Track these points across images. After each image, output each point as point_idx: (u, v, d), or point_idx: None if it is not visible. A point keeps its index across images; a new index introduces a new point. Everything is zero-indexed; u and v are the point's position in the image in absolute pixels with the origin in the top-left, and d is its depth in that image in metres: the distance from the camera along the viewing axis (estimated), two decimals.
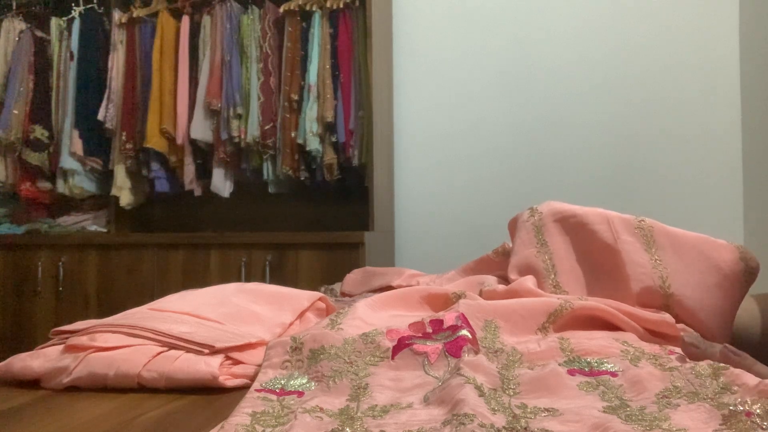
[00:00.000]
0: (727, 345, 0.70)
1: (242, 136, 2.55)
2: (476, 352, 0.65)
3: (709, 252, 0.83)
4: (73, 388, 0.65)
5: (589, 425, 0.48)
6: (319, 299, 0.92)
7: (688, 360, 0.65)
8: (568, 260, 0.90)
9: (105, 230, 2.81)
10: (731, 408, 0.49)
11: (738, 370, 0.57)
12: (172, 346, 0.67)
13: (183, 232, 2.83)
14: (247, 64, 2.59)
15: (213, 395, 0.62)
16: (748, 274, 0.81)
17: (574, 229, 0.92)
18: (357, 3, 2.52)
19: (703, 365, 0.61)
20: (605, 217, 0.89)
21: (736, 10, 2.50)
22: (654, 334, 0.76)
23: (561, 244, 0.92)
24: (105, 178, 2.80)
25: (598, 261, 0.88)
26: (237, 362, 0.67)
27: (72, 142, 2.73)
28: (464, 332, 0.67)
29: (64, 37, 2.85)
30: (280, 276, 2.36)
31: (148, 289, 2.51)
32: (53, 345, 0.71)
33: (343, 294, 1.25)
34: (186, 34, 2.67)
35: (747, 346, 0.80)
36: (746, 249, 0.83)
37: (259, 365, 0.66)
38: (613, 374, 0.62)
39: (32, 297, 2.67)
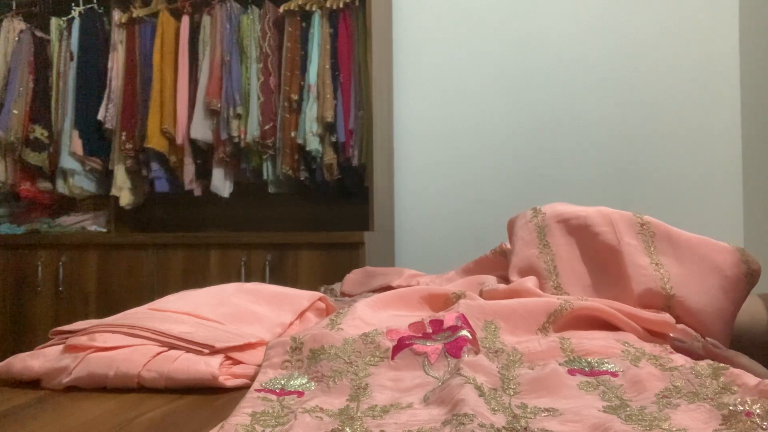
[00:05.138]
0: (708, 338, 0.71)
1: (242, 136, 2.55)
2: (476, 353, 0.65)
3: (710, 254, 0.83)
4: (73, 388, 0.65)
5: (589, 425, 0.48)
6: (319, 299, 0.92)
7: (688, 360, 0.65)
8: (569, 262, 0.90)
9: (105, 230, 2.81)
10: (731, 408, 0.49)
11: (738, 370, 0.57)
12: (172, 346, 0.67)
13: (183, 232, 2.83)
14: (247, 64, 2.59)
15: (213, 395, 0.62)
16: (749, 276, 0.81)
17: (578, 231, 0.91)
18: (357, 3, 2.51)
19: (703, 365, 0.61)
20: (609, 219, 0.89)
21: (736, 10, 2.50)
22: (654, 335, 0.76)
23: (564, 246, 0.92)
24: (105, 178, 2.80)
25: (601, 263, 0.88)
26: (237, 362, 0.67)
27: (72, 142, 2.73)
28: (464, 332, 0.67)
29: (64, 37, 2.84)
30: (280, 276, 2.35)
31: (148, 289, 2.50)
32: (53, 345, 0.71)
33: (343, 294, 1.25)
34: (186, 34, 2.67)
35: (750, 345, 0.80)
36: (748, 251, 0.83)
37: (259, 365, 0.66)
38: (614, 374, 0.62)
39: (32, 297, 2.67)
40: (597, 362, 0.65)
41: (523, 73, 2.68)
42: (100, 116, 2.72)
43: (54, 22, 2.88)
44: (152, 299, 0.87)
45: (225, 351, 0.67)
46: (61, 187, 2.79)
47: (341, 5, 2.49)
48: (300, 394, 0.58)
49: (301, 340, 0.67)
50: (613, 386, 0.59)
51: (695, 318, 0.80)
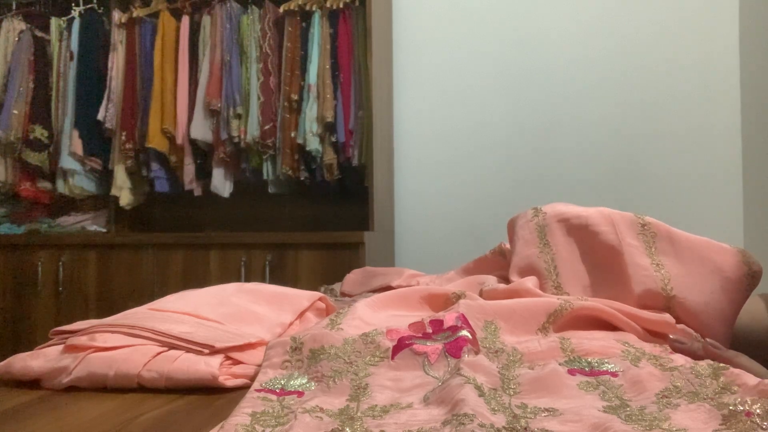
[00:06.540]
0: (708, 339, 0.71)
1: (242, 136, 2.54)
2: (476, 353, 0.65)
3: (712, 255, 0.83)
4: (73, 388, 0.65)
5: (589, 425, 0.48)
6: (319, 299, 0.92)
7: (688, 360, 0.65)
8: (570, 261, 0.90)
9: (105, 230, 2.81)
10: (731, 408, 0.49)
11: (738, 370, 0.57)
12: (172, 346, 0.67)
13: (183, 232, 2.83)
14: (246, 64, 2.59)
15: (213, 395, 0.62)
16: (750, 277, 0.81)
17: (578, 230, 0.91)
18: (357, 3, 2.51)
19: (703, 365, 0.61)
20: (610, 220, 0.89)
21: (736, 10, 2.50)
22: (654, 335, 0.76)
23: (564, 246, 0.92)
24: (105, 178, 2.80)
25: (601, 263, 0.88)
26: (237, 362, 0.67)
27: (72, 142, 2.73)
28: (464, 333, 0.67)
29: (64, 37, 2.84)
30: (280, 276, 2.35)
31: (148, 289, 2.50)
32: (53, 345, 0.71)
33: (343, 294, 1.25)
34: (186, 34, 2.67)
35: (750, 345, 0.80)
36: (749, 253, 0.82)
37: (259, 365, 0.66)
38: (614, 374, 0.62)
39: (32, 297, 2.67)
40: (597, 362, 0.65)
41: (523, 73, 2.68)
42: (100, 116, 2.72)
43: (54, 22, 2.87)
44: (152, 299, 0.87)
45: (225, 351, 0.67)
46: (61, 187, 2.78)
47: (341, 5, 2.49)
48: (300, 394, 0.58)
49: (301, 340, 0.67)
50: (613, 386, 0.58)
51: (695, 318, 0.80)
